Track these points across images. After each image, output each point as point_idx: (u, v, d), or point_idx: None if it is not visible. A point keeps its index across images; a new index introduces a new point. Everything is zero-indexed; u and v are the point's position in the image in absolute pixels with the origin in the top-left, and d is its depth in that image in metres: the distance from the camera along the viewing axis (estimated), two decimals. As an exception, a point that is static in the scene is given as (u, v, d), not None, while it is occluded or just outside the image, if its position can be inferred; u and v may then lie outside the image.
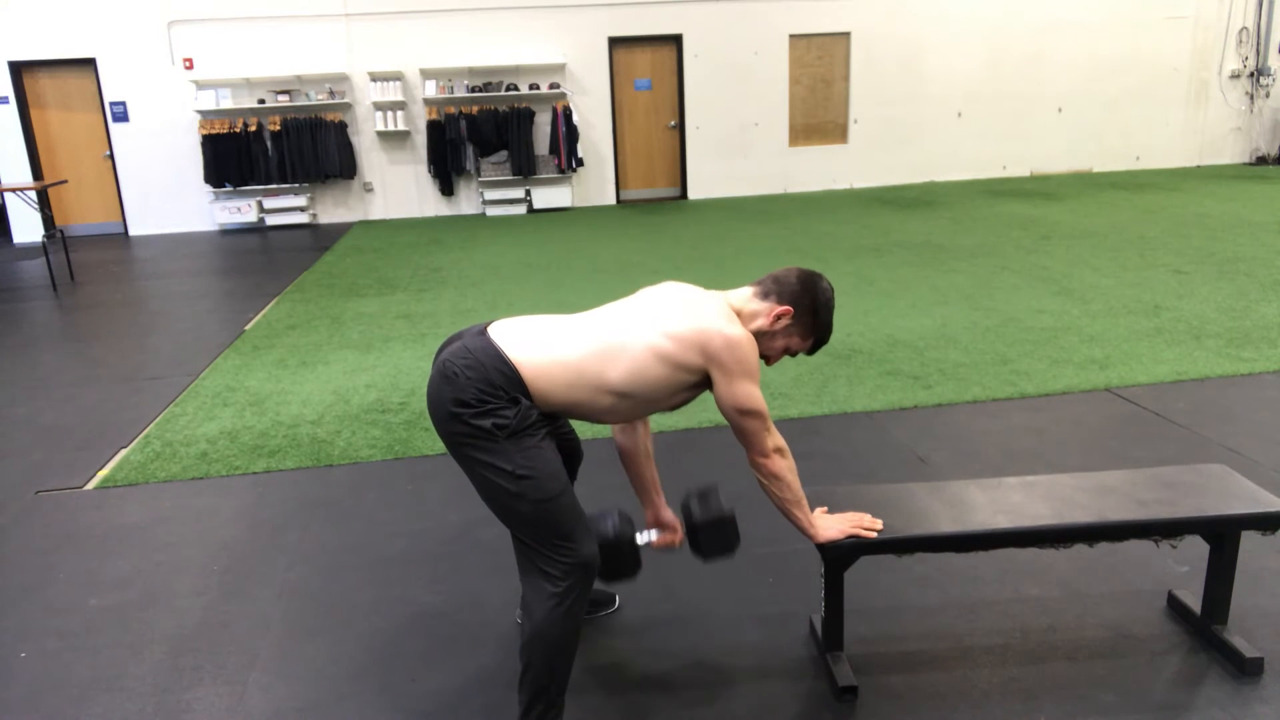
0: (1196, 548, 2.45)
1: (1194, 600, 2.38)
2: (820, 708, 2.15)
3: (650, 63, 11.59)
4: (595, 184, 11.72)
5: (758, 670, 2.30)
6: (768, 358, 2.11)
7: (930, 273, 6.74)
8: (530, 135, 11.12)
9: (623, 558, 2.27)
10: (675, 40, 11.49)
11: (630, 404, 1.99)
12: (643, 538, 2.33)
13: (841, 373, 4.57)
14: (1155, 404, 3.98)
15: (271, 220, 11.10)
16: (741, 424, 1.99)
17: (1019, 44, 12.10)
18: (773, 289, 2.06)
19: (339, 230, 10.71)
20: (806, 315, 2.07)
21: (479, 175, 11.28)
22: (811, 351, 2.15)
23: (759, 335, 2.05)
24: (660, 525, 2.38)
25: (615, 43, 11.35)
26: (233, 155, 10.74)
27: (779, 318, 2.05)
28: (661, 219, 10.30)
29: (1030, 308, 5.61)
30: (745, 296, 2.08)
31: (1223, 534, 2.21)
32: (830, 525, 2.10)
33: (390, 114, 10.98)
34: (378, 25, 10.81)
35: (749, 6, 11.43)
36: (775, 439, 2.02)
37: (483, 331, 1.99)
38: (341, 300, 6.80)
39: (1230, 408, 3.90)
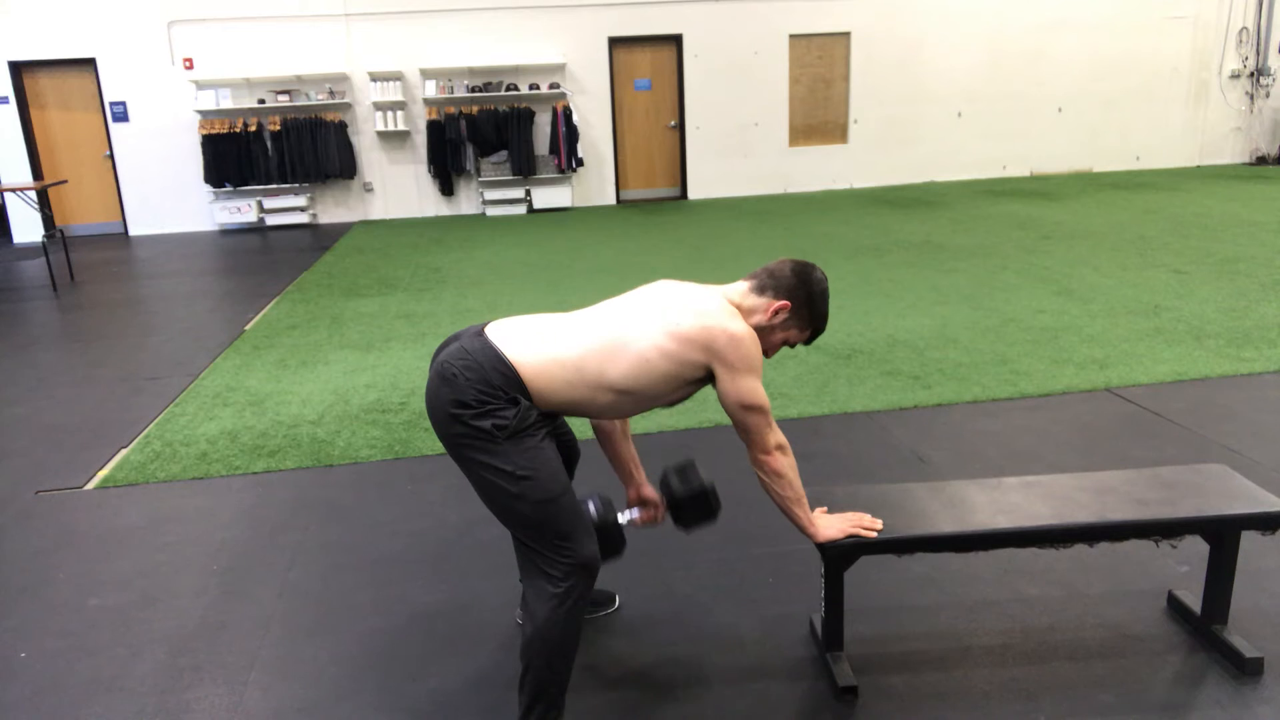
0: (1196, 548, 2.45)
1: (1194, 600, 2.38)
2: (820, 708, 2.15)
3: (650, 63, 11.59)
4: (595, 184, 11.72)
5: (758, 670, 2.30)
6: (766, 351, 2.11)
7: (930, 273, 6.74)
8: (530, 135, 11.12)
9: (607, 539, 2.28)
10: (675, 40, 11.49)
11: (631, 400, 2.00)
12: (624, 517, 2.35)
13: (841, 373, 4.57)
14: (1155, 404, 3.98)
15: (271, 220, 11.10)
16: (745, 420, 1.99)
17: (1019, 44, 12.10)
18: (769, 283, 2.07)
19: (339, 230, 10.71)
20: (804, 308, 2.07)
21: (479, 175, 11.28)
22: (809, 341, 2.16)
23: (758, 330, 2.05)
24: (642, 502, 2.38)
25: (615, 43, 11.35)
26: (233, 155, 10.74)
27: (777, 313, 2.06)
28: (661, 219, 10.30)
29: (1030, 308, 5.61)
30: (741, 291, 2.08)
31: (1223, 534, 2.21)
32: (830, 525, 2.11)
33: (390, 114, 10.98)
34: (378, 25, 10.81)
35: (749, 6, 11.43)
36: (777, 436, 2.03)
37: (480, 332, 1.99)
38: (341, 300, 6.80)
39: (1230, 408, 3.90)
